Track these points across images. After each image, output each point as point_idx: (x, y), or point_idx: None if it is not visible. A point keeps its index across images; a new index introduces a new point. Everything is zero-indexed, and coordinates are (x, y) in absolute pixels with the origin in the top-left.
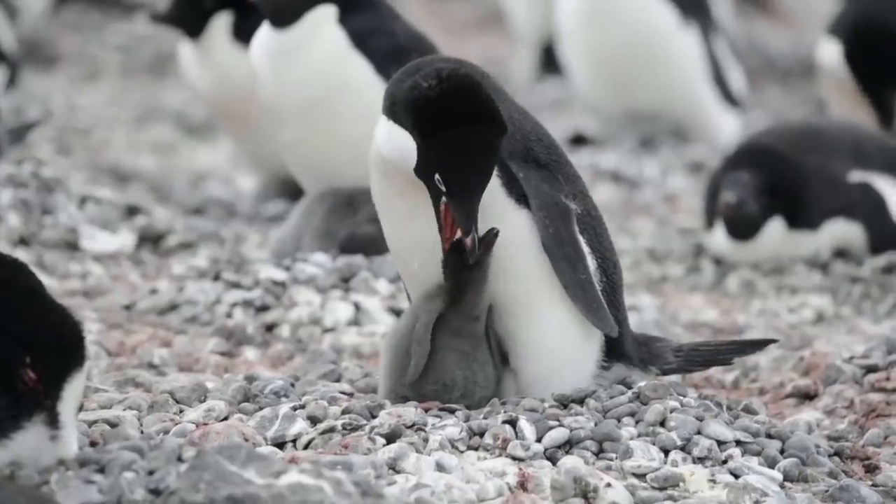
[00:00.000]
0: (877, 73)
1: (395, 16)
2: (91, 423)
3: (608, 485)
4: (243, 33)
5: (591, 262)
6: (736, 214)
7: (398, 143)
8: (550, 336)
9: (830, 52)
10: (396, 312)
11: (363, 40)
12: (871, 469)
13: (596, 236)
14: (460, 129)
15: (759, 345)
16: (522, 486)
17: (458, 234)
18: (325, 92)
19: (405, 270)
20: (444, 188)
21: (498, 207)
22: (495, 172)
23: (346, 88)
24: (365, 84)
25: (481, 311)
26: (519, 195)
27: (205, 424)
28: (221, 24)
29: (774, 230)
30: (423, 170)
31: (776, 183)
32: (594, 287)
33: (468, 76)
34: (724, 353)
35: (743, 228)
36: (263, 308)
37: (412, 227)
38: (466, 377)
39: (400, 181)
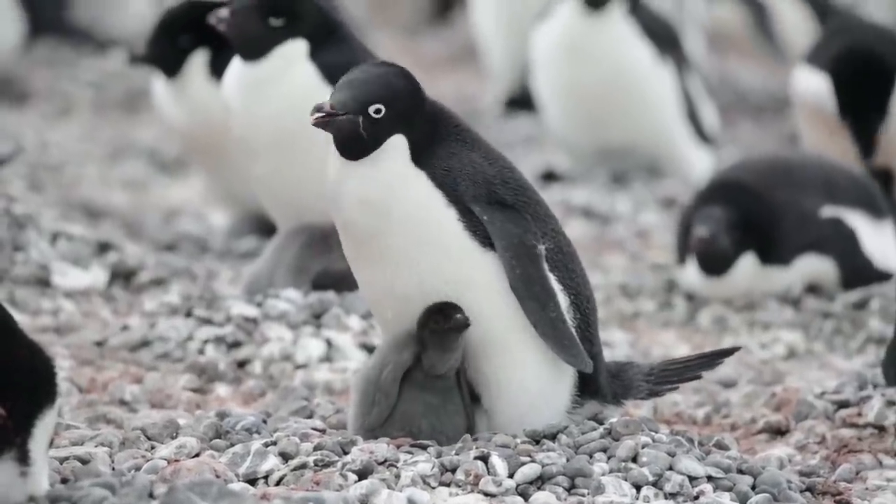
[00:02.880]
0: (861, 102)
1: (367, 51)
2: (62, 460)
3: None
4: (220, 70)
5: (563, 299)
6: (709, 250)
7: None
8: (524, 376)
9: (808, 81)
10: (368, 349)
11: (335, 75)
12: None
13: (568, 272)
14: None
15: (726, 353)
16: None
17: None
18: (297, 126)
19: (380, 318)
20: None
21: (463, 252)
22: (456, 217)
23: None
24: None
25: (449, 370)
26: (484, 238)
27: (176, 461)
28: (198, 61)
29: (746, 266)
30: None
31: (748, 218)
32: (566, 324)
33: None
34: (694, 368)
35: (715, 264)
36: (235, 344)
37: (385, 279)
38: (433, 426)
39: (369, 240)
